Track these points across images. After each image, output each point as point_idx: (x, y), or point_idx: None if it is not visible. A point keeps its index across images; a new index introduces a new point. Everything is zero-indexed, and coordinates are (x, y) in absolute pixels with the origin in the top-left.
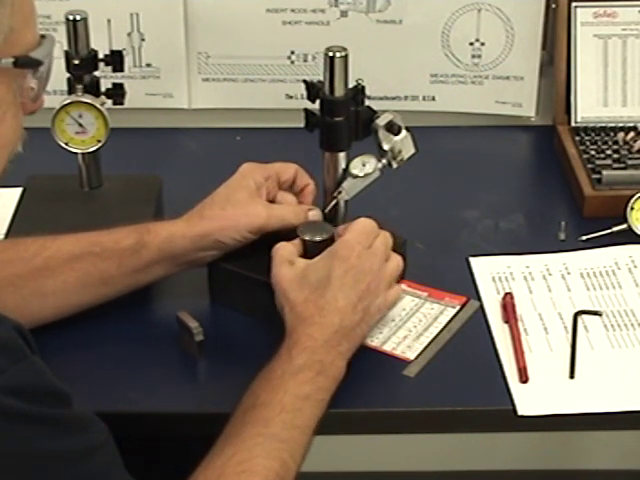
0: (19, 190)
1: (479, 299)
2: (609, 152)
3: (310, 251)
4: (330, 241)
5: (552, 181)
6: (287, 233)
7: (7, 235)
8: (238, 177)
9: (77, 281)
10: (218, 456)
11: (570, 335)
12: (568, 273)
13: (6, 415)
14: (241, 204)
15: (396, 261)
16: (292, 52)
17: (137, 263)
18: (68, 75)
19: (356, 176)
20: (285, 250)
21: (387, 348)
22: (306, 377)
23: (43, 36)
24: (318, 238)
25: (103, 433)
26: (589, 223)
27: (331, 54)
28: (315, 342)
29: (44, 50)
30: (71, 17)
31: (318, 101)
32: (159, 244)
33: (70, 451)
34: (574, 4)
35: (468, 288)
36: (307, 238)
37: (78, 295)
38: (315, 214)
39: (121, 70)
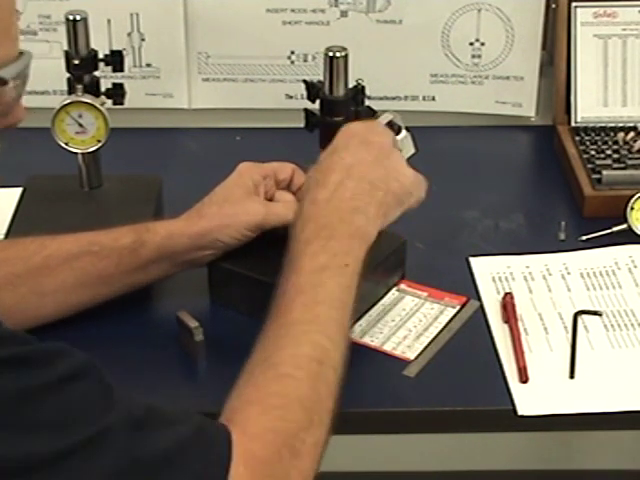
0: (19, 190)
1: (479, 299)
2: (609, 152)
3: None
4: None
5: (552, 181)
6: (286, 232)
7: (7, 235)
8: (235, 176)
9: (76, 280)
10: (248, 365)
11: (570, 335)
12: (568, 273)
13: None
14: (239, 202)
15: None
16: (292, 52)
17: (136, 262)
18: (68, 75)
19: None
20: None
21: (387, 348)
22: (315, 248)
23: (22, 53)
24: None
25: (81, 362)
26: (589, 223)
27: (331, 54)
28: (317, 206)
29: (14, 69)
30: (71, 17)
31: (318, 101)
32: (158, 242)
33: (42, 384)
34: (574, 4)
35: (468, 288)
36: None
37: (77, 294)
38: None
39: (121, 70)
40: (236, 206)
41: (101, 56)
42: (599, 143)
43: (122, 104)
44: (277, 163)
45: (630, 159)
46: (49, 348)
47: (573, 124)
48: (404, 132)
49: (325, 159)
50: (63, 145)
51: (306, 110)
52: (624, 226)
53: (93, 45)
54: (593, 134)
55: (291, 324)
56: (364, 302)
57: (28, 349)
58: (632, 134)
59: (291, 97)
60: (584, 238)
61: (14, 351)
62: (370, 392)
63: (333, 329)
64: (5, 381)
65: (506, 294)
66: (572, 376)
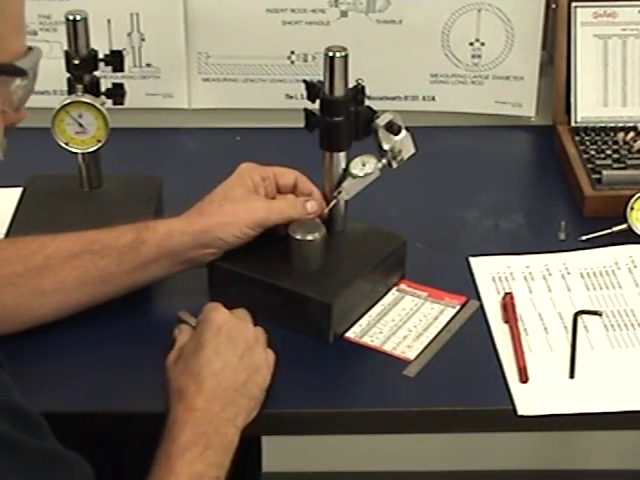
0: (19, 190)
1: (479, 299)
2: (609, 152)
3: (302, 250)
4: (321, 240)
5: (552, 181)
6: (286, 232)
7: (7, 235)
8: (236, 176)
9: (76, 279)
10: None
11: (570, 335)
12: (568, 273)
13: None
14: (239, 200)
15: (261, 330)
16: (292, 52)
17: (136, 260)
18: (68, 75)
19: (356, 176)
20: (182, 337)
21: (387, 348)
22: (194, 454)
23: (30, 48)
24: (309, 237)
25: (88, 474)
26: (589, 223)
27: (331, 54)
28: (194, 414)
29: (31, 61)
30: (71, 17)
31: (318, 101)
32: (158, 240)
33: None
34: (574, 4)
35: (468, 288)
36: (298, 237)
37: (77, 294)
38: (313, 205)
39: (121, 70)
40: (237, 204)
41: (101, 56)
42: (599, 143)
43: (122, 104)
44: (279, 168)
45: (630, 159)
46: (67, 454)
47: (573, 124)
48: (404, 132)
49: (193, 359)
50: (63, 145)
51: (306, 110)
52: (624, 226)
53: (93, 45)
54: (593, 134)
55: None
56: (364, 302)
57: (45, 446)
58: (632, 134)
59: (291, 97)
60: (584, 238)
61: (32, 442)
62: (370, 392)
63: None
64: (13, 470)
65: (506, 294)
66: (572, 376)
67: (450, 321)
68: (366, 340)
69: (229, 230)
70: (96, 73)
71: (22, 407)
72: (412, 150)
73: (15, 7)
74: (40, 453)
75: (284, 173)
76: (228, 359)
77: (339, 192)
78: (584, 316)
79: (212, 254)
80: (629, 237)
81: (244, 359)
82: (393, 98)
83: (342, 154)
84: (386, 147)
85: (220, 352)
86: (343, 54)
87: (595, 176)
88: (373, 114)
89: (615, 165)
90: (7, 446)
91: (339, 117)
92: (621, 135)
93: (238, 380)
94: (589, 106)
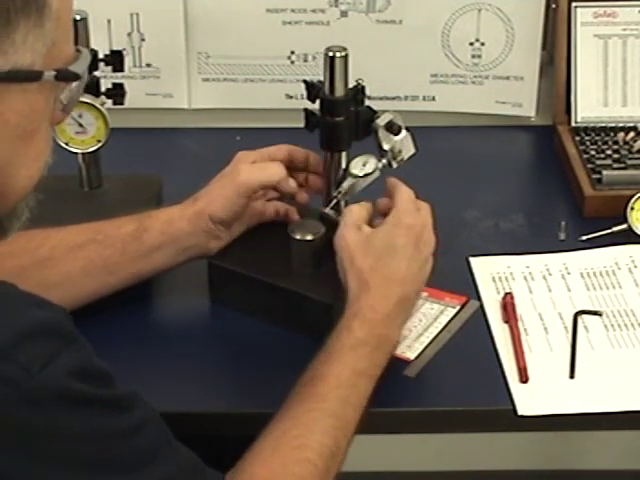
0: None
1: (479, 299)
2: (609, 152)
3: (302, 250)
4: (321, 240)
5: (552, 181)
6: (286, 233)
7: None
8: (232, 164)
9: (81, 270)
10: (274, 429)
11: (570, 335)
12: (568, 273)
13: (66, 398)
14: (226, 176)
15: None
16: (292, 52)
17: (140, 249)
18: None
19: (356, 176)
20: (356, 214)
21: None
22: (364, 352)
23: (78, 50)
24: (309, 237)
25: (148, 409)
26: (589, 223)
27: (331, 54)
28: (376, 315)
29: (82, 64)
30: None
31: (318, 101)
32: (160, 227)
33: (120, 429)
34: (574, 4)
35: (468, 288)
36: (298, 237)
37: (82, 285)
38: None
39: (121, 70)
40: (223, 179)
41: (101, 56)
42: (599, 143)
43: (122, 104)
44: (271, 147)
45: (630, 159)
46: (130, 392)
47: (573, 124)
48: (404, 132)
49: (384, 262)
50: (63, 145)
51: (306, 110)
52: (624, 226)
53: (93, 45)
54: (593, 134)
55: (324, 412)
56: None
57: (112, 393)
58: (632, 134)
59: (291, 97)
60: (584, 238)
61: (100, 392)
62: None
63: (351, 431)
64: (89, 422)
65: (506, 294)
66: (572, 376)
67: (450, 321)
68: None
69: (219, 203)
70: (96, 73)
71: (93, 367)
72: (412, 150)
73: (66, 15)
74: (109, 400)
75: (275, 151)
76: (412, 269)
77: (339, 192)
78: (584, 316)
79: (214, 237)
80: (629, 237)
81: (422, 271)
82: (393, 98)
83: (342, 154)
84: (386, 147)
85: (408, 261)
86: (343, 54)
87: (595, 176)
88: (373, 114)
89: (615, 165)
90: (84, 402)
91: (339, 117)
92: (621, 135)
93: (414, 289)
94: (589, 106)
